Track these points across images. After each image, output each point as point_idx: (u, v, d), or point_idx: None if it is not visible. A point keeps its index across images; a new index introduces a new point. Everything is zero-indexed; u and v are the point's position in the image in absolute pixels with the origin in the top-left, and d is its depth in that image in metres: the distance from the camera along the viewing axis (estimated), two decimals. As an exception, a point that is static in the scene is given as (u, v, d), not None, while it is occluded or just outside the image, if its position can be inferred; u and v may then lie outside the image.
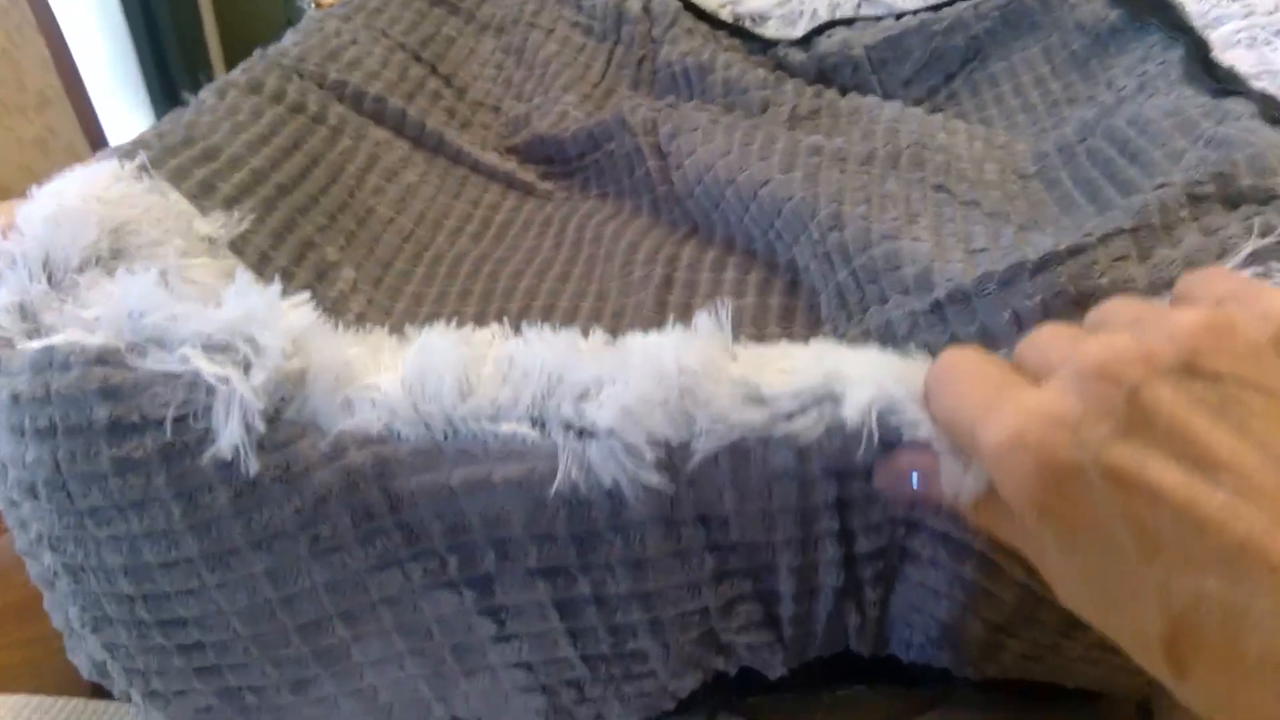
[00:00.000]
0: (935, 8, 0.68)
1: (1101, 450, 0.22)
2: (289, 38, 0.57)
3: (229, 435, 0.30)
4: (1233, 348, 0.23)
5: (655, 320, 0.45)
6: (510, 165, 0.60)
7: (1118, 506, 0.22)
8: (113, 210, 0.36)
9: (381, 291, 0.47)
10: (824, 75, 0.68)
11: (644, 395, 0.29)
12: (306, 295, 0.32)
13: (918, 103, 0.65)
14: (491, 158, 0.59)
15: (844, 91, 0.65)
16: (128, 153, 0.40)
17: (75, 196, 0.36)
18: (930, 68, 0.67)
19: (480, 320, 0.45)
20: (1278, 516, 0.20)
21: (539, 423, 0.30)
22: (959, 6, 0.66)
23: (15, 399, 0.31)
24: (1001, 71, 0.63)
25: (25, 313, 0.33)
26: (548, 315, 0.46)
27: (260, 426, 0.30)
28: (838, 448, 0.29)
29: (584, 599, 0.32)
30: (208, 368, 0.30)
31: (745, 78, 0.63)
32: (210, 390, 0.30)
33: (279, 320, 0.31)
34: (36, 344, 0.32)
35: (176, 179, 0.40)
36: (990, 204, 0.46)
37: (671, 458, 0.29)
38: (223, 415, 0.30)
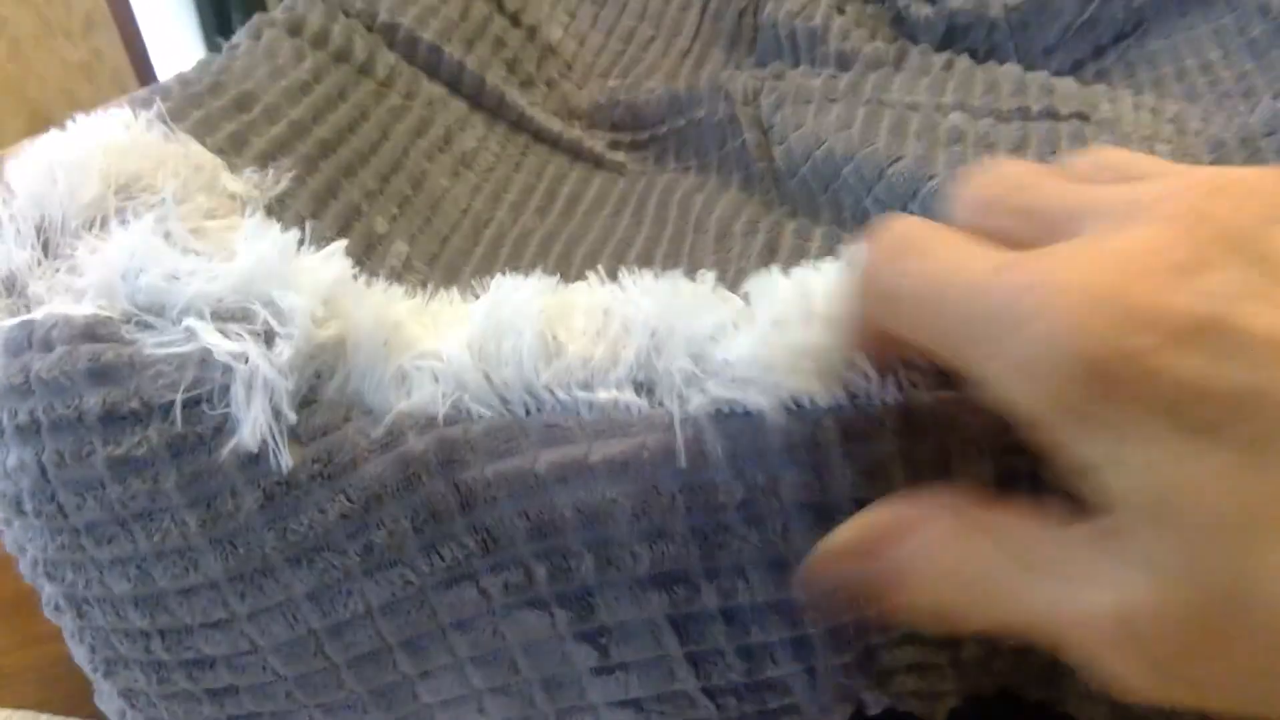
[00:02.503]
0: None
1: (1242, 302, 0.16)
2: None
3: (253, 423, 0.25)
4: None
5: None
6: (575, 132, 0.56)
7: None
8: (120, 161, 0.32)
9: (438, 270, 0.44)
10: (952, 36, 0.64)
11: (788, 344, 0.23)
12: (340, 244, 0.27)
13: (1060, 76, 0.61)
14: (555, 124, 0.56)
15: (975, 57, 0.60)
16: (144, 101, 0.36)
17: (75, 148, 0.32)
18: (1080, 37, 0.62)
19: None
20: None
21: (645, 387, 0.26)
22: None
23: None
24: (1162, 51, 0.58)
25: (11, 286, 0.29)
26: None
27: (290, 413, 0.25)
28: None
29: (709, 614, 0.27)
30: (219, 344, 0.24)
31: (863, 50, 0.59)
32: (226, 368, 0.25)
33: (305, 275, 0.26)
34: (11, 321, 0.27)
35: (202, 132, 0.37)
36: None
37: (819, 424, 0.24)
38: (244, 398, 0.25)
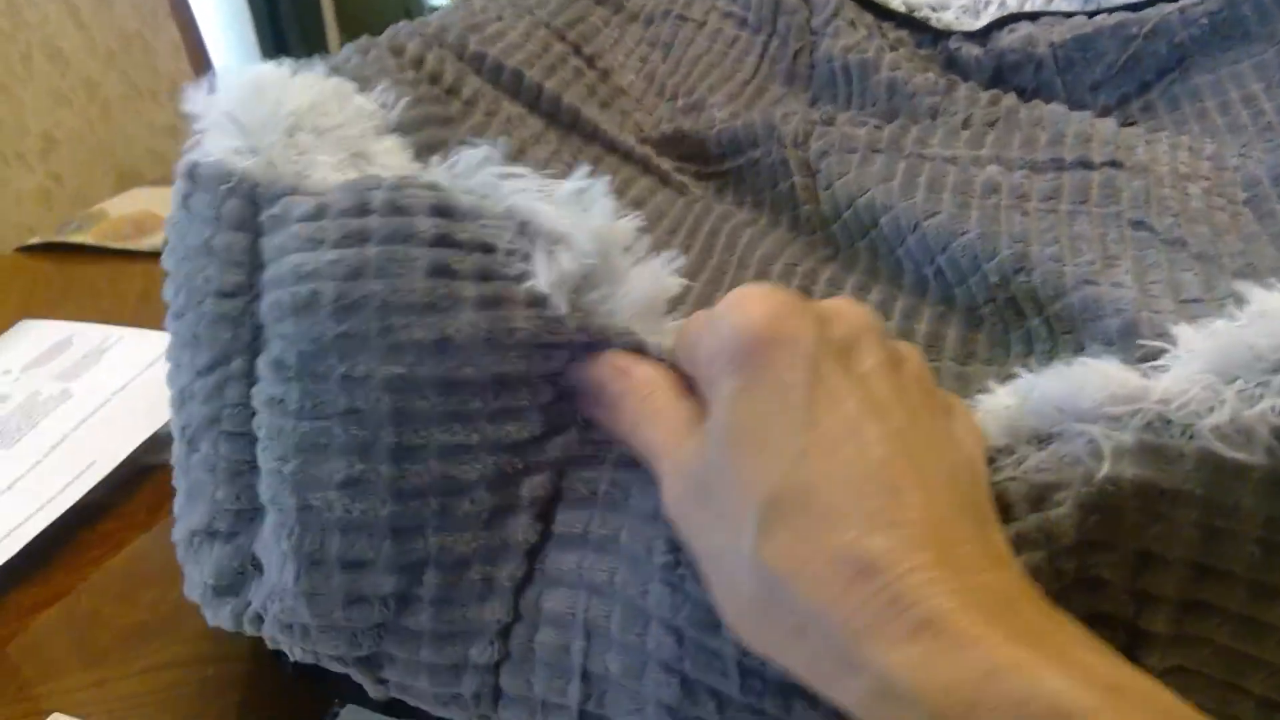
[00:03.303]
0: (1135, 7, 0.67)
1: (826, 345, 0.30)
2: (434, 16, 0.62)
3: (548, 275, 0.35)
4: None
5: None
6: (647, 151, 0.62)
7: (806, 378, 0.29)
8: (302, 90, 0.41)
9: None
10: (1001, 75, 0.68)
11: None
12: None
13: (1106, 112, 0.64)
14: (629, 139, 0.62)
15: (1023, 95, 0.64)
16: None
17: (267, 72, 0.41)
18: (1125, 74, 0.65)
19: None
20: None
21: None
22: (1163, 8, 0.65)
23: (321, 209, 0.36)
24: (1206, 86, 0.62)
25: (257, 153, 0.38)
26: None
27: (580, 276, 0.35)
28: None
29: None
30: (544, 210, 0.35)
31: (913, 80, 0.64)
32: (535, 237, 0.35)
33: (612, 212, 0.36)
34: (355, 176, 0.36)
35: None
36: (1198, 243, 0.46)
37: None
38: (543, 258, 0.35)
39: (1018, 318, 0.48)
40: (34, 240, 0.98)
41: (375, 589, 0.35)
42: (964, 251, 0.50)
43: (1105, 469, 0.30)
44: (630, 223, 0.37)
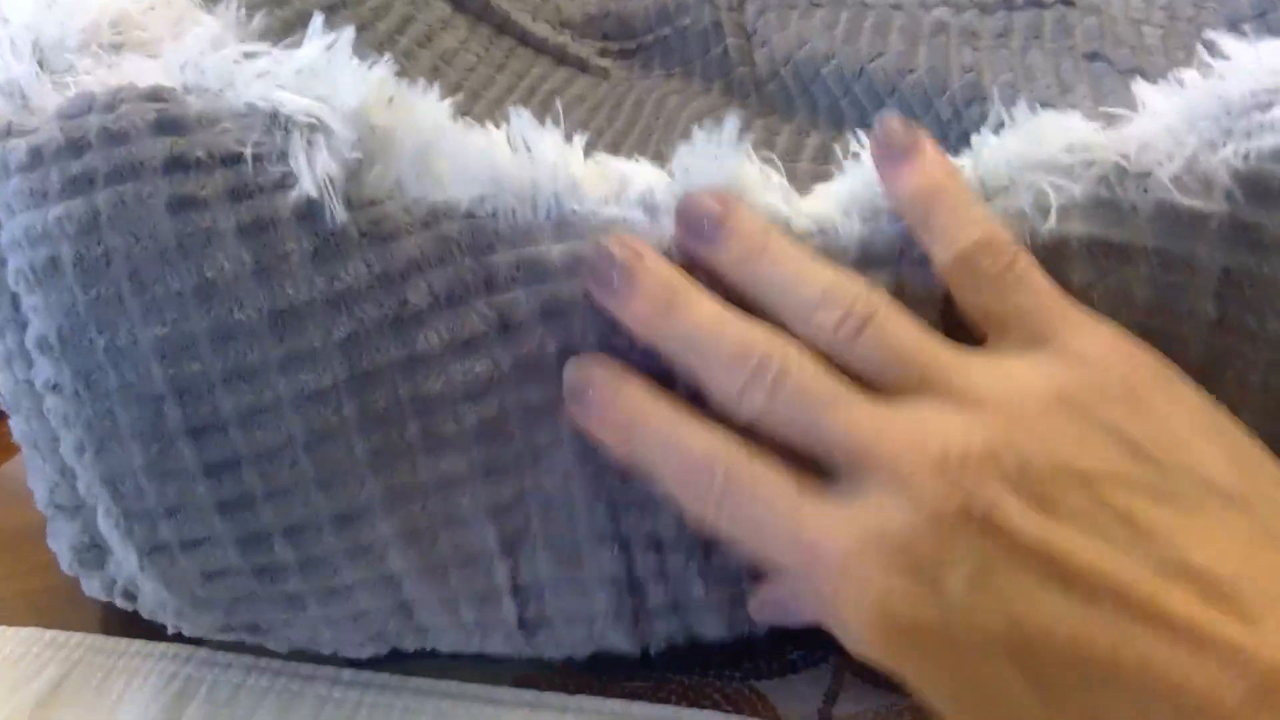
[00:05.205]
0: None
1: (968, 608, 0.23)
2: None
3: (312, 176, 0.30)
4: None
5: None
6: (563, 39, 0.60)
7: (1006, 663, 0.23)
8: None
9: None
10: None
11: None
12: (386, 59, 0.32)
13: None
14: (542, 29, 0.60)
15: None
16: None
17: None
18: None
19: None
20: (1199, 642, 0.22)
21: (650, 209, 0.32)
22: None
23: (36, 154, 0.31)
24: None
25: (14, 92, 0.33)
26: None
27: (347, 170, 0.30)
28: None
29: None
30: (288, 99, 0.29)
31: None
32: (288, 130, 0.30)
33: (360, 68, 0.31)
34: (66, 95, 0.31)
35: None
36: (1156, 73, 0.45)
37: None
38: (304, 156, 0.30)
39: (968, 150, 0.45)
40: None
41: (227, 563, 0.33)
42: (913, 89, 0.49)
43: (1051, 223, 0.30)
44: (382, 69, 0.32)
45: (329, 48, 0.31)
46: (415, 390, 0.31)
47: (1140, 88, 0.33)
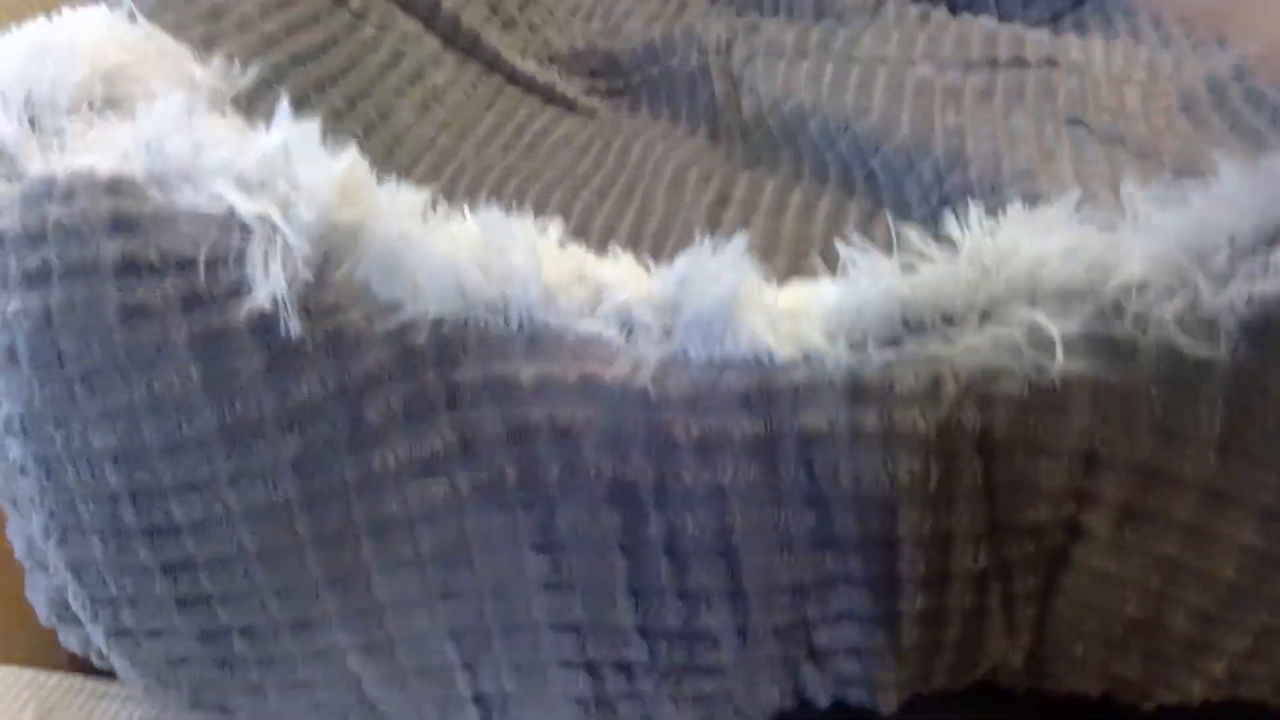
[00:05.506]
0: None
1: None
2: None
3: (268, 286, 0.28)
4: None
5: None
6: (551, 76, 0.60)
7: None
8: (105, 51, 0.35)
9: None
10: None
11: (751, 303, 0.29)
12: (353, 144, 0.30)
13: (1039, 26, 0.65)
14: (531, 65, 0.60)
15: (954, 10, 0.65)
16: (114, 1, 0.39)
17: (64, 32, 0.35)
18: None
19: None
20: None
21: (625, 326, 0.30)
22: None
23: None
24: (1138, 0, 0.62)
25: (3, 153, 0.31)
26: (581, 234, 0.46)
27: (307, 276, 0.28)
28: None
29: (654, 544, 0.31)
30: (245, 204, 0.28)
31: None
32: (246, 231, 0.29)
33: (326, 160, 0.29)
34: (32, 175, 0.29)
35: (172, 32, 0.39)
36: (1136, 141, 0.46)
37: (774, 378, 0.29)
38: (260, 262, 0.29)
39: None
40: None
41: (188, 653, 0.33)
42: (897, 150, 0.48)
43: (1058, 362, 0.28)
44: (349, 158, 0.30)
45: (290, 137, 0.29)
46: (370, 511, 0.30)
47: (1130, 189, 0.30)
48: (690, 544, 0.30)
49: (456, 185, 0.50)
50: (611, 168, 0.53)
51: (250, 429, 0.29)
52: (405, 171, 0.49)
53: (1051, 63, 0.53)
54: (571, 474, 0.30)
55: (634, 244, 0.46)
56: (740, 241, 0.30)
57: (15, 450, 0.31)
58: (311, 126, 0.30)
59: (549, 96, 0.59)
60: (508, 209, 0.45)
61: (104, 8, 0.38)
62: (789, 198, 0.49)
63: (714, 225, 0.47)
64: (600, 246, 0.42)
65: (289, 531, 0.30)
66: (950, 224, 0.31)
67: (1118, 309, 0.28)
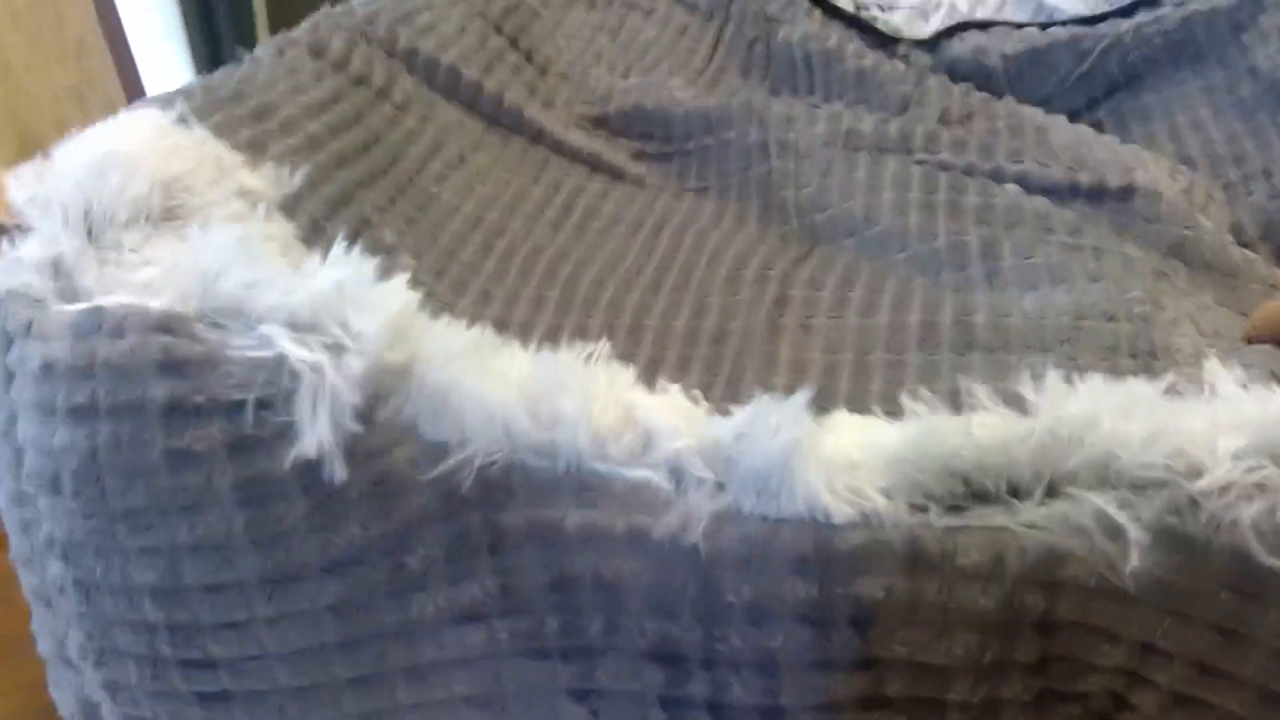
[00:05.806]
0: (1089, 21, 0.67)
1: None
2: (360, 1, 0.57)
3: (315, 433, 0.28)
4: None
5: (767, 348, 0.44)
6: (598, 144, 0.59)
7: None
8: (164, 162, 0.36)
9: (445, 284, 0.46)
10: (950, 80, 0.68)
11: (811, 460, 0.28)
12: (407, 275, 0.30)
13: None
14: (576, 136, 0.59)
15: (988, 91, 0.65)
16: (166, 101, 0.40)
17: (124, 142, 0.35)
18: (1075, 89, 0.66)
19: (555, 334, 0.44)
20: None
21: (675, 475, 0.29)
22: (1118, 24, 0.65)
23: (48, 369, 0.30)
24: (1154, 105, 0.62)
25: (59, 270, 0.32)
26: (635, 334, 0.45)
27: (353, 426, 0.28)
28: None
29: (697, 703, 0.30)
30: (295, 350, 0.28)
31: (881, 69, 0.63)
32: (295, 375, 0.28)
33: (378, 301, 0.29)
34: (80, 305, 0.29)
35: (221, 134, 0.40)
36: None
37: (830, 540, 0.28)
38: (309, 408, 0.28)
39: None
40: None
41: None
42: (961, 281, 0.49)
43: (1133, 563, 0.27)
44: (403, 299, 0.30)
45: (342, 276, 0.29)
46: (408, 655, 0.30)
47: (1215, 364, 0.30)
48: (735, 703, 0.30)
49: (507, 266, 0.49)
50: (663, 257, 0.52)
51: (291, 573, 0.29)
52: (451, 254, 0.48)
53: (1130, 189, 0.52)
54: (615, 628, 0.29)
55: (690, 345, 0.45)
56: (801, 397, 0.29)
57: (55, 569, 0.31)
58: (365, 265, 0.30)
59: (595, 165, 0.59)
60: (560, 308, 0.46)
61: (156, 111, 0.38)
62: (849, 294, 0.48)
63: (774, 333, 0.45)
64: (656, 350, 0.41)
65: (326, 671, 0.30)
66: (1023, 381, 0.29)
67: (1193, 504, 0.27)
